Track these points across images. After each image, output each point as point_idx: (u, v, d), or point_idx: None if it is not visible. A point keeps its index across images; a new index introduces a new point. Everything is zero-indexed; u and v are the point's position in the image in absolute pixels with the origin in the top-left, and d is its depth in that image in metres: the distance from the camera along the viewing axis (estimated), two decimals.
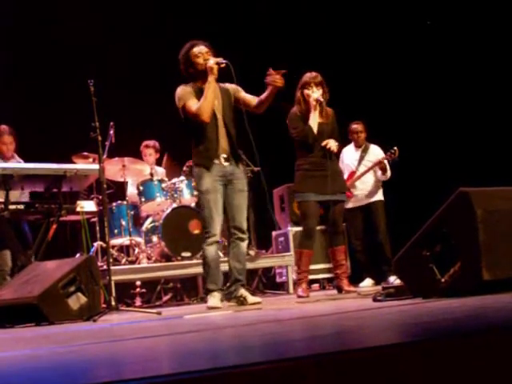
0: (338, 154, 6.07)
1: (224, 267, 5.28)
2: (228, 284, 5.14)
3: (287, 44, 8.89)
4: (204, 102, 4.92)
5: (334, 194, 5.67)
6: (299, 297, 5.56)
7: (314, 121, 5.65)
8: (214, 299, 4.91)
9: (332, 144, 5.67)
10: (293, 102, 5.83)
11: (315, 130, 5.63)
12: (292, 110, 5.79)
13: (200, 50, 5.05)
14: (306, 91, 5.69)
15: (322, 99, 5.63)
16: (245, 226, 5.11)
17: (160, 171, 7.63)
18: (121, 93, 8.23)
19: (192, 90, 5.04)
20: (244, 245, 5.10)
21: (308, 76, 5.72)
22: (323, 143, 5.65)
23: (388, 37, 8.63)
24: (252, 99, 5.16)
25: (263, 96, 5.02)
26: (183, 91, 5.05)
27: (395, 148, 7.16)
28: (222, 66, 4.95)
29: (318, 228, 6.15)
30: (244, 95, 5.19)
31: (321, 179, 5.62)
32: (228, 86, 5.20)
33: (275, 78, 4.82)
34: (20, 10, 8.43)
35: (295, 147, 5.80)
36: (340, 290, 5.75)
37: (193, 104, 4.97)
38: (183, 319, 4.16)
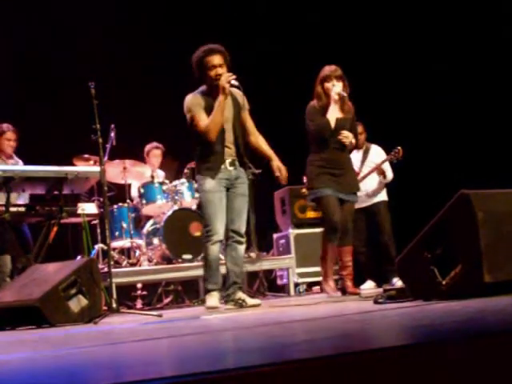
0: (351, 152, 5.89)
1: (222, 269, 5.27)
2: (226, 286, 5.10)
3: (285, 44, 8.87)
4: (212, 122, 4.88)
5: (346, 193, 5.56)
6: (330, 297, 5.46)
7: (333, 115, 5.48)
8: (213, 299, 4.90)
9: (346, 137, 5.49)
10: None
11: (333, 124, 5.47)
12: (310, 103, 5.62)
13: (213, 62, 4.92)
14: (326, 84, 5.51)
15: (344, 93, 5.49)
16: (243, 229, 5.08)
17: (161, 174, 7.63)
18: (122, 95, 8.23)
19: (202, 101, 4.96)
20: (242, 248, 5.07)
21: (328, 69, 5.53)
22: (339, 136, 5.48)
23: (390, 35, 8.60)
24: (251, 129, 5.16)
25: (265, 153, 5.14)
26: (193, 102, 4.98)
27: (398, 148, 7.11)
28: (234, 85, 4.92)
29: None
30: (247, 117, 5.15)
31: (334, 177, 5.50)
32: (237, 93, 5.11)
33: (283, 177, 5.17)
34: (22, 10, 8.44)
35: (309, 141, 5.63)
36: (344, 291, 5.66)
37: (201, 119, 4.91)
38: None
